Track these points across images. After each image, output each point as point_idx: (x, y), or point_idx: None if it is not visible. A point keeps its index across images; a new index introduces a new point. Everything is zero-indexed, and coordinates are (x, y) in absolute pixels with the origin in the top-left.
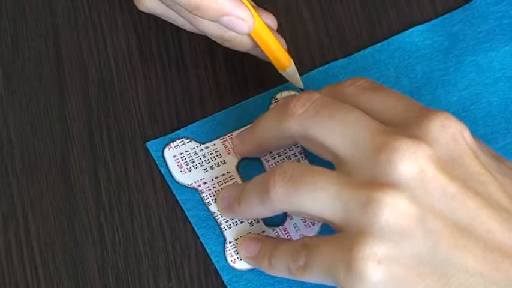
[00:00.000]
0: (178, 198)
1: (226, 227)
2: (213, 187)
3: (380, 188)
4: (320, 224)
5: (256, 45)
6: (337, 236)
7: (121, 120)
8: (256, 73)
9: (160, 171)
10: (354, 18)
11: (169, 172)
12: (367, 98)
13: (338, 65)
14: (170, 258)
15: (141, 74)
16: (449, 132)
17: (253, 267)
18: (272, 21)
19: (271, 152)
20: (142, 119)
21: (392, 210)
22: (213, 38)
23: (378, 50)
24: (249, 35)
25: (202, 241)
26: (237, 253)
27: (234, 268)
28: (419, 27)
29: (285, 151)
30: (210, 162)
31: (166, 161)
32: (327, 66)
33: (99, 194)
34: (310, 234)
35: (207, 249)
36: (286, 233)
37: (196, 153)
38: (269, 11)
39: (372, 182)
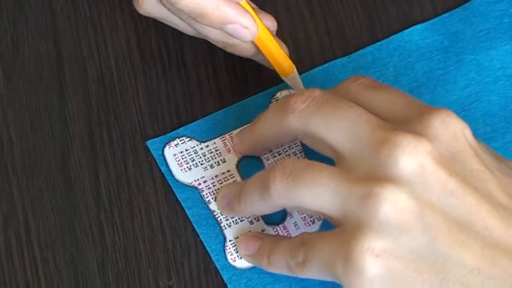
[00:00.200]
0: (178, 197)
1: (226, 226)
2: (213, 186)
3: (380, 183)
4: (320, 222)
5: (258, 51)
6: (336, 231)
7: (121, 119)
8: (256, 73)
9: (160, 170)
10: (354, 17)
11: (170, 171)
12: (368, 96)
13: (338, 64)
14: (170, 257)
15: (141, 73)
16: (450, 129)
17: (253, 266)
18: (272, 23)
19: (271, 151)
20: (143, 118)
21: (392, 204)
22: (214, 43)
23: (377, 49)
24: (252, 41)
25: (202, 239)
26: (237, 251)
27: (234, 266)
28: (419, 26)
29: (284, 150)
30: (210, 160)
31: (167, 159)
32: (326, 65)
33: (99, 193)
34: None
35: (207, 248)
36: (286, 232)
37: (197, 152)
38: (268, 13)
39: (372, 176)
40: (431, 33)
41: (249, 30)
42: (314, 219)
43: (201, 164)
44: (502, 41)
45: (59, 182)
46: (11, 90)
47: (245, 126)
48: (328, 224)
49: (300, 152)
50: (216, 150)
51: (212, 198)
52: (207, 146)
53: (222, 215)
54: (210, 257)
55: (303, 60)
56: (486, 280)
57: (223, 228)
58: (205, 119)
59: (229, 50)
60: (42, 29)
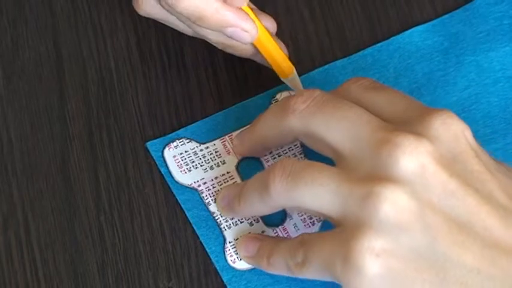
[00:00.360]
0: (178, 199)
1: (226, 227)
2: (213, 187)
3: (380, 182)
4: (320, 224)
5: (257, 51)
6: (335, 231)
7: (121, 120)
8: (256, 73)
9: (160, 172)
10: (354, 19)
11: (169, 172)
12: (369, 97)
13: (338, 65)
14: (170, 258)
15: (141, 74)
16: (451, 130)
17: (253, 267)
18: (271, 24)
19: (271, 152)
20: (142, 119)
21: (392, 204)
22: (214, 44)
23: (377, 50)
24: (251, 43)
25: (202, 241)
26: (237, 253)
27: (233, 268)
28: (419, 27)
29: (284, 151)
30: (209, 162)
31: (166, 161)
32: (327, 66)
33: (99, 194)
34: None
35: (206, 249)
36: (286, 233)
37: (196, 154)
38: (268, 14)
39: (372, 176)
40: (431, 34)
41: (248, 33)
42: (314, 221)
43: (201, 166)
44: (501, 42)
45: (59, 183)
46: (11, 91)
47: (245, 128)
48: (328, 226)
49: (300, 154)
50: (215, 152)
51: (212, 200)
52: (207, 148)
53: (221, 216)
54: (210, 259)
55: (302, 62)
56: (486, 280)
57: (223, 229)
58: (205, 120)
59: (229, 50)
60: (42, 29)
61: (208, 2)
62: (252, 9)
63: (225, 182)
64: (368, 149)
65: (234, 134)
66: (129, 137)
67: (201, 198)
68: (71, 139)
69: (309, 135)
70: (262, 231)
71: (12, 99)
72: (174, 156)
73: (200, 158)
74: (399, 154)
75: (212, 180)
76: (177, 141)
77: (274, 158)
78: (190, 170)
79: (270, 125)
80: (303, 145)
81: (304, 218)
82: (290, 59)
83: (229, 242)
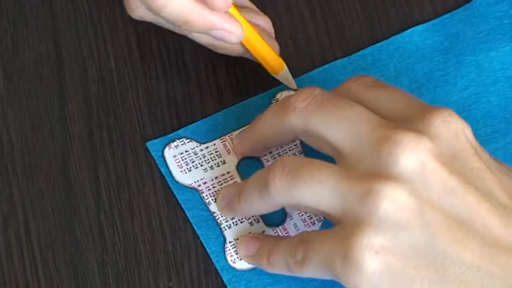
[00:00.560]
0: (178, 198)
1: (226, 227)
2: (213, 187)
3: (380, 180)
4: (320, 223)
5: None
6: (335, 229)
7: (121, 120)
8: (256, 73)
9: (160, 171)
10: (354, 18)
11: (170, 172)
12: (369, 94)
13: (338, 64)
14: (170, 258)
15: (141, 74)
16: (451, 128)
17: (253, 267)
18: (267, 23)
19: (270, 152)
20: (143, 119)
21: (392, 201)
22: (204, 45)
23: (377, 50)
24: (240, 42)
25: (202, 241)
26: (237, 253)
27: (234, 268)
28: (419, 27)
29: (284, 151)
30: (210, 162)
31: (166, 160)
32: (327, 66)
33: (99, 194)
34: None
35: (207, 249)
36: (286, 233)
37: (196, 153)
38: (268, 14)
39: (372, 174)
40: (432, 34)
41: (234, 34)
42: (314, 221)
43: (201, 166)
44: (502, 42)
45: (59, 182)
46: (11, 91)
47: (245, 128)
48: (328, 225)
49: (300, 153)
50: (216, 152)
51: (212, 200)
52: (207, 148)
53: (222, 216)
54: (210, 258)
55: (303, 61)
56: (485, 278)
57: (223, 229)
58: (205, 120)
59: (220, 51)
60: (42, 29)
61: (192, 6)
62: (247, 8)
63: (225, 182)
64: (368, 146)
65: (234, 133)
66: (130, 136)
67: (201, 198)
68: (71, 139)
69: (309, 133)
70: (263, 231)
71: (12, 99)
72: (174, 156)
73: (200, 158)
74: (399, 152)
75: (212, 180)
76: (177, 141)
77: (274, 158)
78: (190, 170)
79: (270, 124)
80: (303, 144)
81: (305, 218)
82: (290, 58)
83: (230, 242)
